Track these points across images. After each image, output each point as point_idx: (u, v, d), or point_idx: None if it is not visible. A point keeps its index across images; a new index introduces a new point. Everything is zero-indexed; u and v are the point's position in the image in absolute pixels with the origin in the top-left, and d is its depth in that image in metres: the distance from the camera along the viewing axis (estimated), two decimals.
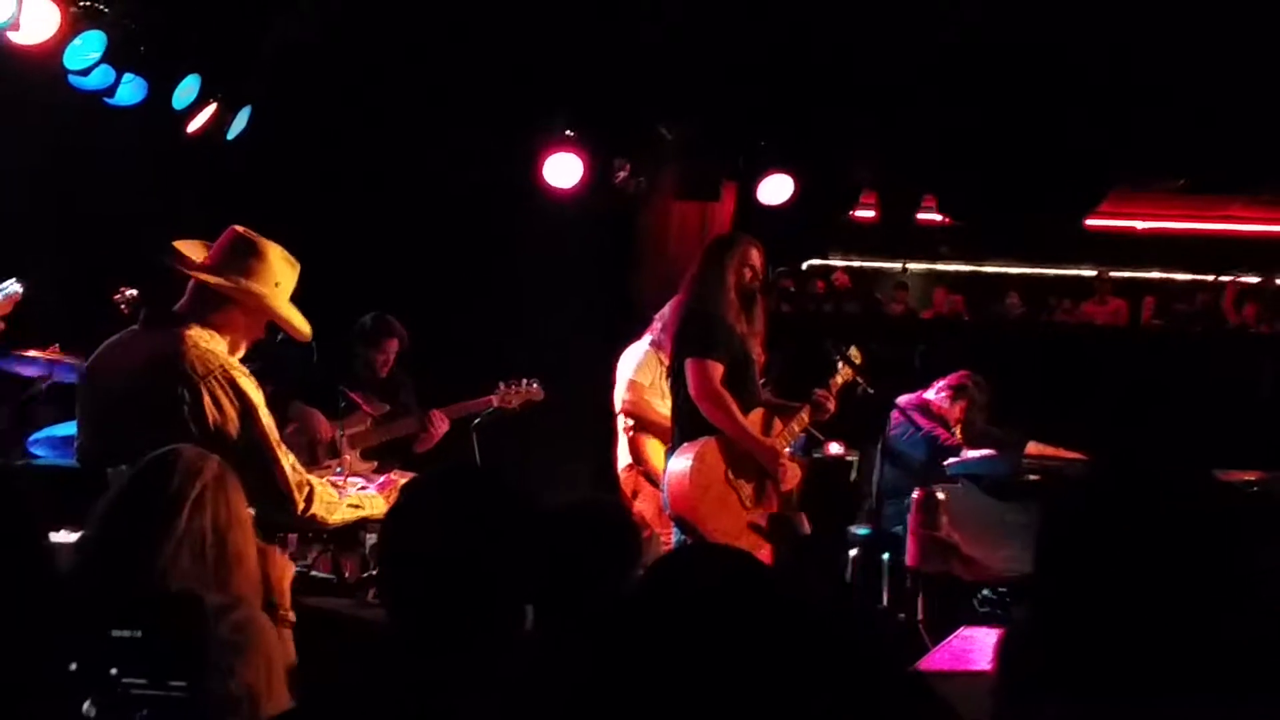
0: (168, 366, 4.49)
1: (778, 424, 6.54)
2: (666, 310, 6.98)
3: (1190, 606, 1.89)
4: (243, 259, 4.74)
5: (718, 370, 6.24)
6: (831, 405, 6.74)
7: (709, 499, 6.24)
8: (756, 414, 6.44)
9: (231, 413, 4.47)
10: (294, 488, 4.51)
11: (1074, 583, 1.97)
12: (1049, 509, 2.07)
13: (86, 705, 2.70)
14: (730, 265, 6.43)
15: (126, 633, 2.78)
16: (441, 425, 7.55)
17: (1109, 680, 1.91)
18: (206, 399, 4.44)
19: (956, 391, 8.68)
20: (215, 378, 4.48)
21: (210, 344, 4.61)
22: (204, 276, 4.68)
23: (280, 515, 4.52)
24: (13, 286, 6.41)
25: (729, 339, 6.32)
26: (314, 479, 4.68)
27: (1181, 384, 11.54)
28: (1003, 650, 2.79)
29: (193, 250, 4.81)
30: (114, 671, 2.72)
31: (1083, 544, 1.98)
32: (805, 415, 6.65)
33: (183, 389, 4.45)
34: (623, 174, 9.56)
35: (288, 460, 4.55)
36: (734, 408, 6.25)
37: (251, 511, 3.28)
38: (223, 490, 3.21)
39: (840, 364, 6.89)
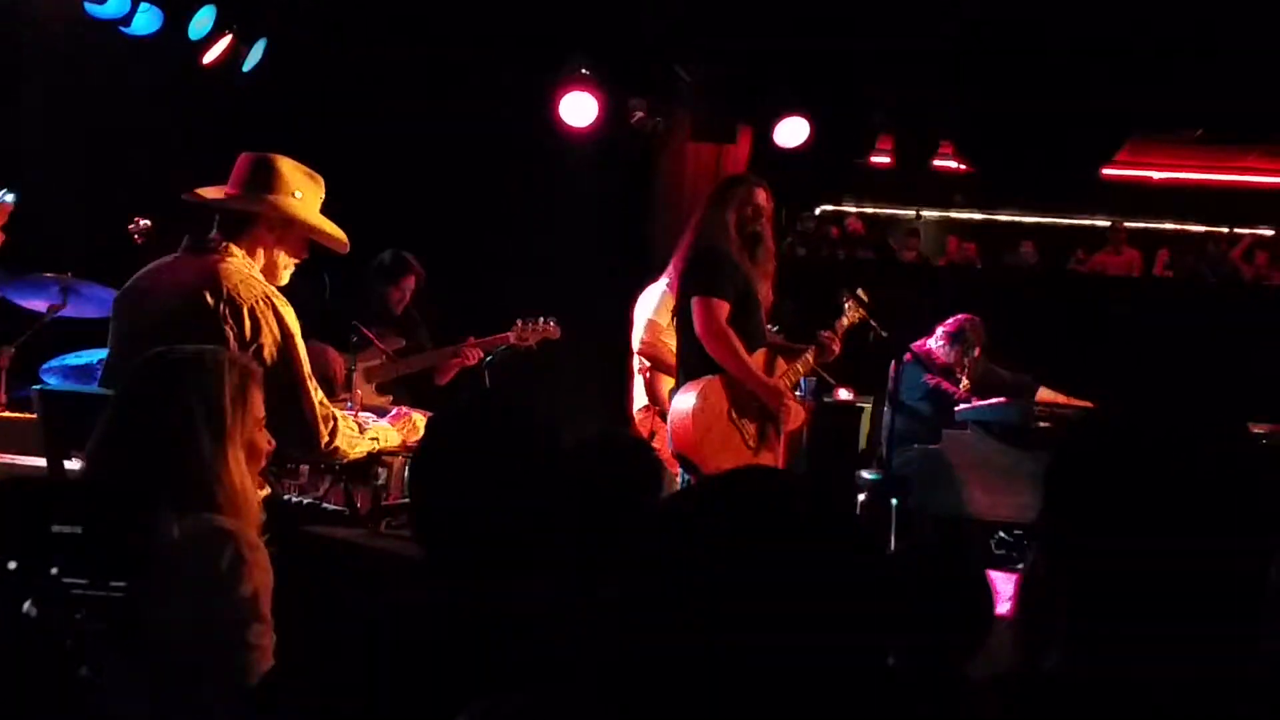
0: (210, 292, 4.48)
1: (781, 364, 6.56)
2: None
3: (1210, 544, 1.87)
4: (256, 178, 4.73)
5: (723, 309, 6.24)
6: (836, 347, 6.76)
7: (712, 438, 6.26)
8: (761, 354, 6.44)
9: (270, 340, 4.47)
10: (320, 420, 4.52)
11: (1090, 523, 1.93)
12: (1062, 449, 2.06)
13: (27, 605, 2.69)
14: (732, 204, 6.43)
15: (67, 529, 2.78)
16: (474, 355, 7.59)
17: (1124, 615, 1.89)
18: (248, 325, 4.45)
19: (954, 338, 8.66)
20: (258, 303, 4.49)
21: (252, 270, 4.62)
22: (222, 202, 4.68)
23: (304, 446, 4.53)
24: (6, 196, 6.38)
25: (734, 277, 6.32)
26: (338, 412, 4.69)
27: (1193, 335, 11.52)
28: (1022, 594, 2.80)
29: (211, 193, 4.81)
30: (54, 570, 2.73)
31: (1101, 482, 1.95)
32: (810, 357, 6.67)
33: (226, 314, 4.45)
34: (639, 114, 9.53)
35: (317, 393, 4.56)
36: (739, 346, 6.26)
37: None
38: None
39: (848, 306, 6.90)
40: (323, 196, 4.88)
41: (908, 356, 8.46)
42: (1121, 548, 1.87)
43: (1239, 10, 8.53)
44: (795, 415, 6.59)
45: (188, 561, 2.98)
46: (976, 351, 8.65)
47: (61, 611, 2.69)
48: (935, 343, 8.67)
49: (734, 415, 6.33)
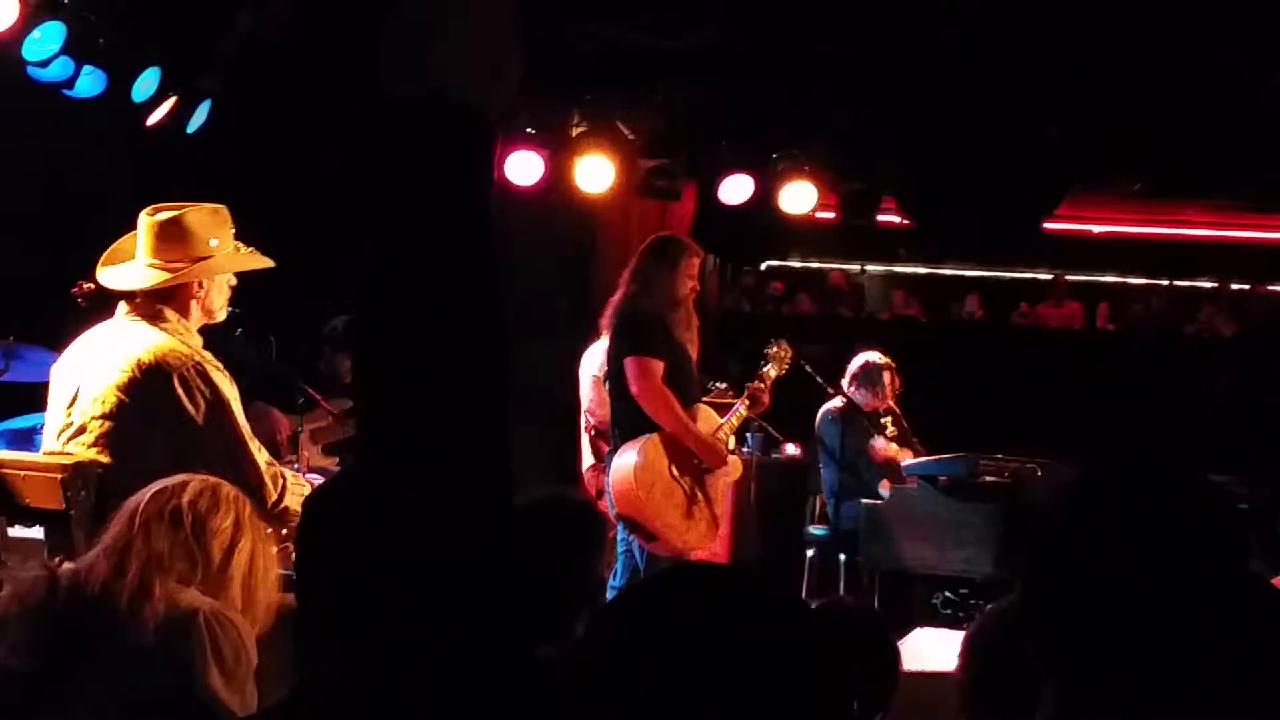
0: (141, 363, 4.50)
1: (715, 419, 6.64)
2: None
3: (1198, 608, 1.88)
4: (169, 244, 4.71)
5: (659, 367, 6.30)
6: (766, 399, 6.88)
7: (654, 496, 6.31)
8: (695, 411, 6.52)
9: (204, 405, 4.47)
10: (267, 480, 4.51)
11: (1079, 583, 1.93)
12: (1055, 508, 2.06)
13: None
14: (669, 266, 6.50)
15: None
16: None
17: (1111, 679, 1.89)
18: (180, 392, 4.45)
19: (861, 380, 8.65)
20: (188, 370, 4.49)
21: (185, 335, 4.63)
22: (139, 288, 4.69)
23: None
24: None
25: (667, 337, 6.38)
26: (288, 472, 4.69)
27: (1136, 387, 11.62)
28: (971, 647, 2.81)
29: (117, 254, 4.81)
30: None
31: (1090, 543, 1.95)
32: (743, 409, 6.77)
33: (156, 382, 4.47)
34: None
35: (261, 454, 4.56)
36: (675, 404, 6.32)
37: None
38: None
39: (772, 356, 7.00)
40: (231, 225, 4.87)
41: (837, 410, 8.51)
42: (1115, 614, 1.87)
43: (1177, 65, 8.63)
44: (734, 468, 6.68)
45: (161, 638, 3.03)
46: (889, 390, 8.64)
47: None
48: (851, 391, 8.66)
49: (674, 472, 6.37)
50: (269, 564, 3.42)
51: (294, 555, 4.52)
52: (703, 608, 1.64)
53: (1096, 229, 14.43)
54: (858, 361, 8.71)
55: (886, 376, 8.63)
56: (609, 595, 6.52)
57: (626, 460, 6.33)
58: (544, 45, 8.33)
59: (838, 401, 8.59)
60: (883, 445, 8.35)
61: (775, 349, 7.04)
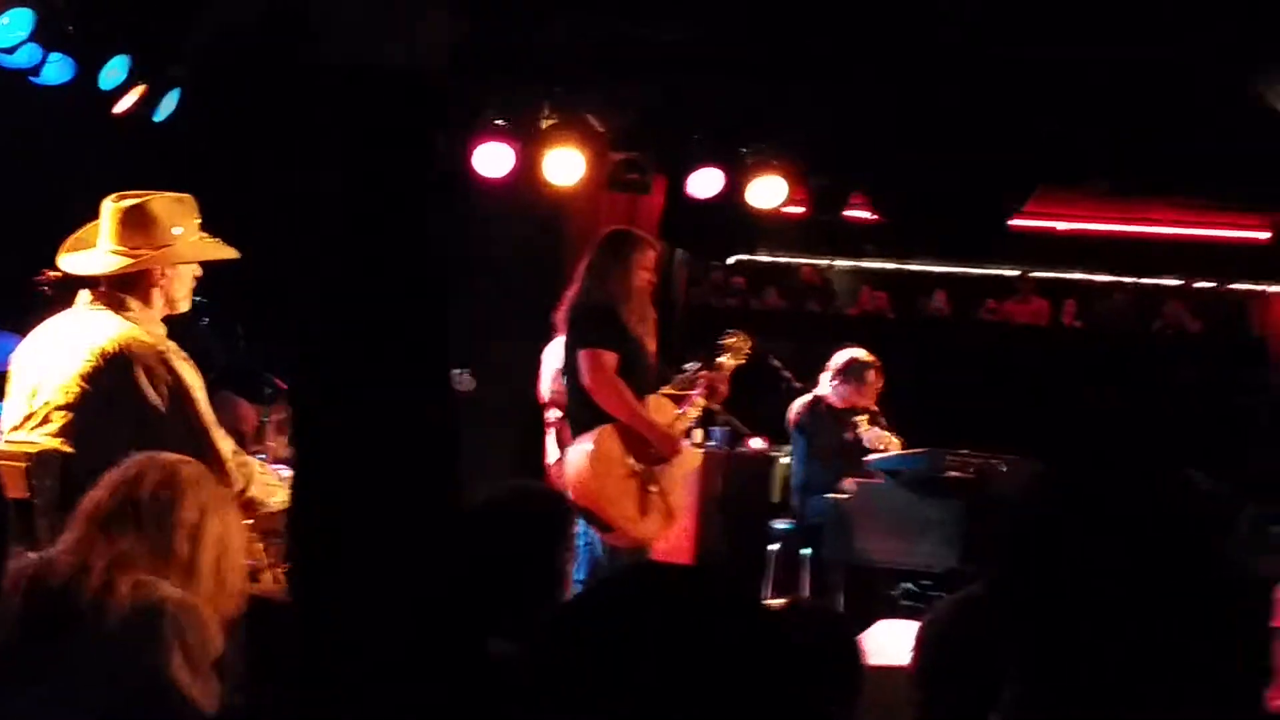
0: (104, 351, 4.50)
1: (672, 409, 6.66)
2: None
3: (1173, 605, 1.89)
4: (133, 230, 4.71)
5: (612, 359, 6.34)
6: (724, 388, 6.91)
7: (610, 486, 6.33)
8: (651, 401, 6.54)
9: (167, 394, 4.47)
10: (232, 469, 4.51)
11: (1043, 577, 1.93)
12: (1016, 502, 2.07)
13: None
14: (624, 260, 6.53)
15: None
16: None
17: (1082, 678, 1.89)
18: (143, 380, 4.45)
19: (845, 376, 8.67)
20: (151, 359, 4.49)
21: (149, 325, 4.63)
22: (101, 274, 4.69)
23: None
24: None
25: (622, 330, 6.41)
26: (254, 461, 4.69)
27: (1102, 384, 11.68)
28: (924, 639, 2.84)
29: (79, 242, 4.80)
30: None
31: (1055, 537, 1.95)
32: (698, 399, 6.79)
33: (119, 371, 4.46)
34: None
35: (226, 442, 4.56)
36: (629, 395, 6.36)
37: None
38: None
39: (728, 346, 7.03)
40: (197, 215, 4.87)
41: (808, 405, 8.54)
42: (1085, 609, 1.89)
43: (1142, 64, 8.67)
44: (690, 459, 6.71)
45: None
46: (872, 389, 8.67)
47: None
48: (829, 387, 8.68)
49: (629, 462, 6.40)
50: (239, 544, 3.42)
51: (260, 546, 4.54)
52: (663, 609, 1.64)
53: (1063, 226, 14.50)
54: (843, 357, 8.72)
55: (870, 375, 8.65)
56: (575, 588, 6.55)
57: (581, 451, 6.38)
58: (515, 38, 8.36)
59: (810, 396, 8.62)
60: (875, 434, 8.35)
61: (732, 339, 7.07)
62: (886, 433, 8.38)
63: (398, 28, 3.20)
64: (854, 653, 3.48)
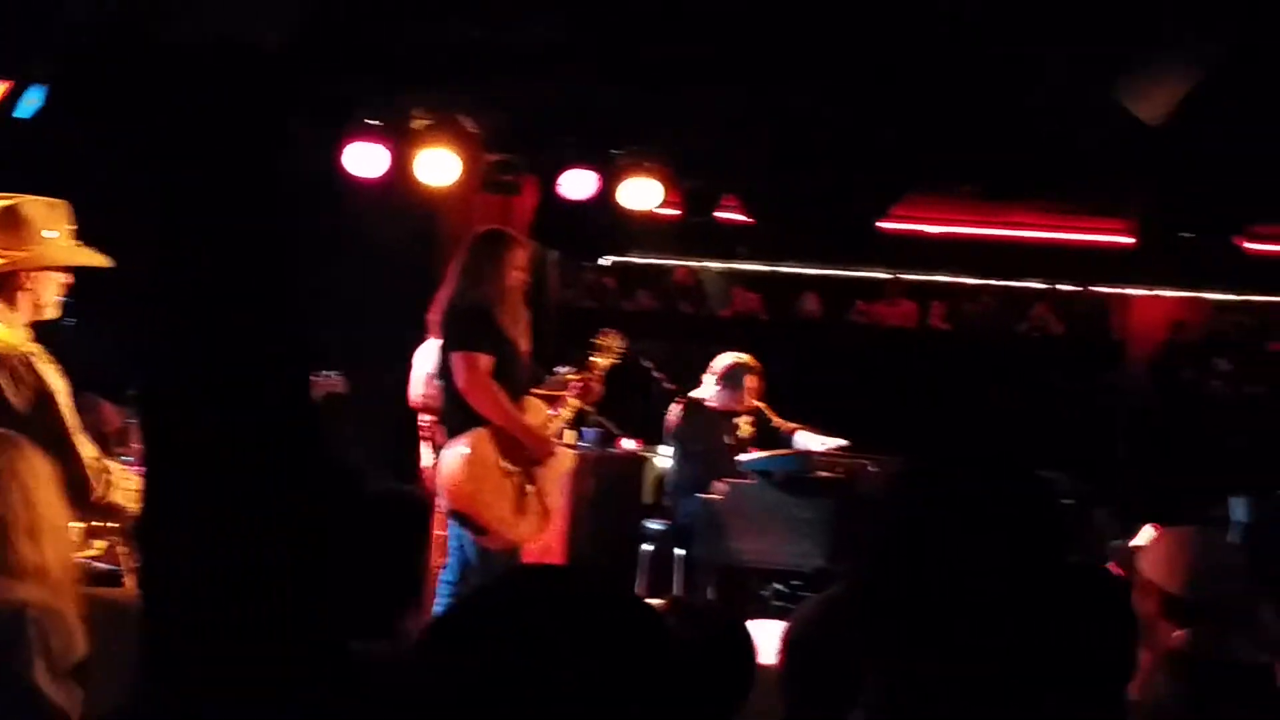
0: None
1: (546, 410, 6.69)
2: None
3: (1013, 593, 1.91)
4: (1, 230, 4.65)
5: (486, 362, 6.35)
6: (597, 386, 6.95)
7: (485, 490, 6.34)
8: (524, 403, 6.55)
9: (30, 396, 4.41)
10: (92, 474, 4.46)
11: (902, 573, 1.95)
12: (880, 500, 2.09)
13: None
14: (507, 264, 6.55)
15: None
16: None
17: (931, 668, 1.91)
18: (5, 384, 4.38)
19: (726, 380, 8.76)
20: (14, 361, 4.43)
21: (13, 327, 4.57)
22: None
23: (75, 501, 4.46)
24: None
25: (496, 331, 6.42)
26: (114, 465, 4.63)
27: (968, 385, 11.86)
28: (790, 640, 2.87)
29: None
30: None
31: (913, 534, 1.97)
32: (574, 399, 6.82)
33: None
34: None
35: (87, 448, 4.50)
36: (502, 398, 6.37)
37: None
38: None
39: (601, 345, 7.07)
40: (70, 221, 4.81)
41: (686, 407, 8.60)
42: (943, 607, 1.91)
43: (1007, 67, 8.79)
44: (564, 460, 6.75)
45: None
46: (751, 393, 8.76)
47: None
48: (709, 389, 8.76)
49: (504, 465, 6.42)
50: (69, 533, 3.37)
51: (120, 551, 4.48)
52: (546, 611, 1.64)
53: (931, 230, 14.68)
54: (723, 361, 8.80)
55: (749, 379, 8.73)
56: (442, 590, 6.53)
57: (455, 454, 6.37)
58: (386, 37, 8.31)
59: (688, 398, 8.69)
60: (807, 436, 8.43)
61: (605, 339, 7.11)
62: (818, 435, 8.48)
63: (245, 3, 3.18)
64: (746, 649, 3.52)
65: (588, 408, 7.46)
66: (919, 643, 1.92)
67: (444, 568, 6.55)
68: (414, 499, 3.88)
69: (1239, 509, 8.12)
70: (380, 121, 8.92)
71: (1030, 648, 1.91)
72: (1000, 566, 1.91)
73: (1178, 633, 3.48)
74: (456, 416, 6.46)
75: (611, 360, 7.09)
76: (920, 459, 2.07)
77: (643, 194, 9.33)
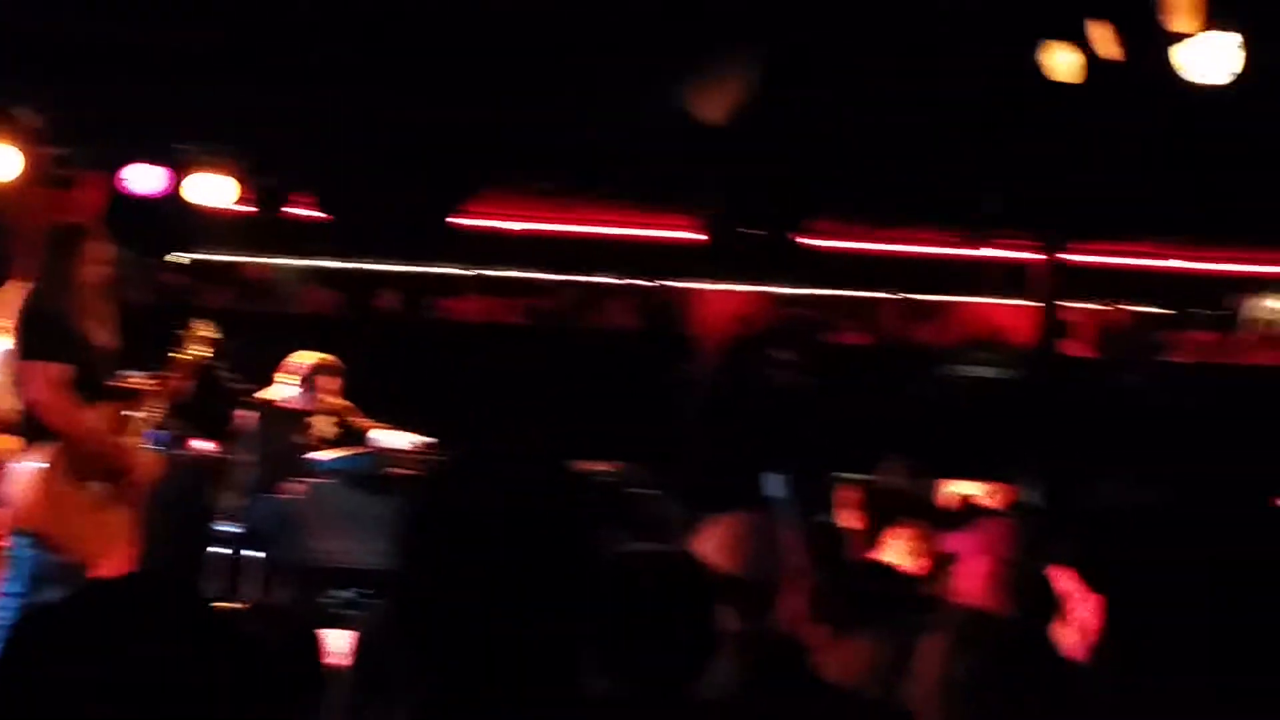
0: None
1: (128, 414, 6.48)
2: None
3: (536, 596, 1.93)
4: None
5: (59, 372, 6.07)
6: (185, 384, 6.77)
7: (63, 505, 6.10)
8: (104, 408, 6.31)
9: None
10: None
11: (425, 576, 1.97)
12: (407, 502, 2.11)
13: None
14: (83, 260, 6.29)
15: None
16: None
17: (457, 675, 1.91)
18: None
19: (302, 380, 8.71)
20: None
21: None
22: None
23: None
24: None
25: (72, 336, 6.17)
26: None
27: (545, 380, 12.08)
28: (358, 646, 2.91)
29: None
30: None
31: (431, 535, 1.99)
32: (160, 399, 6.64)
33: None
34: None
35: None
36: (73, 410, 6.10)
37: None
38: None
39: (185, 341, 6.93)
40: None
41: (259, 407, 8.50)
42: (462, 603, 1.90)
43: (580, 70, 8.97)
44: (146, 467, 6.53)
45: None
46: (332, 392, 8.72)
47: None
48: (282, 389, 8.68)
49: (80, 477, 6.17)
50: None
51: None
52: (114, 621, 1.63)
53: (508, 226, 14.87)
54: (298, 361, 8.72)
55: (323, 379, 8.67)
56: (5, 604, 6.26)
57: (27, 469, 6.09)
58: None
59: (261, 398, 8.57)
60: (383, 433, 8.37)
61: (194, 328, 6.94)
62: (403, 433, 8.46)
63: None
64: (315, 651, 3.53)
65: (163, 408, 7.25)
66: (447, 641, 1.92)
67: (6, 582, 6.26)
68: None
69: (775, 486, 8.29)
70: None
71: (562, 637, 1.95)
72: (516, 560, 1.93)
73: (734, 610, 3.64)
74: (31, 429, 6.16)
75: (202, 352, 6.90)
76: (451, 455, 2.10)
77: (215, 190, 9.16)
